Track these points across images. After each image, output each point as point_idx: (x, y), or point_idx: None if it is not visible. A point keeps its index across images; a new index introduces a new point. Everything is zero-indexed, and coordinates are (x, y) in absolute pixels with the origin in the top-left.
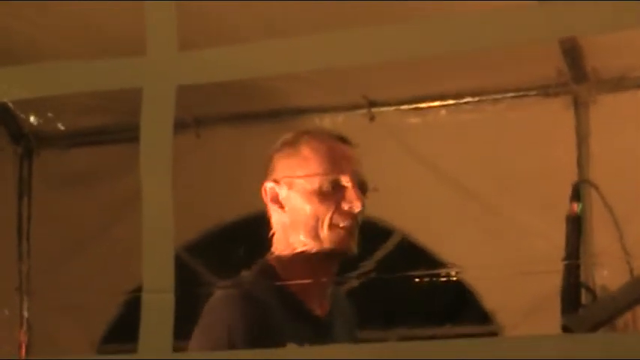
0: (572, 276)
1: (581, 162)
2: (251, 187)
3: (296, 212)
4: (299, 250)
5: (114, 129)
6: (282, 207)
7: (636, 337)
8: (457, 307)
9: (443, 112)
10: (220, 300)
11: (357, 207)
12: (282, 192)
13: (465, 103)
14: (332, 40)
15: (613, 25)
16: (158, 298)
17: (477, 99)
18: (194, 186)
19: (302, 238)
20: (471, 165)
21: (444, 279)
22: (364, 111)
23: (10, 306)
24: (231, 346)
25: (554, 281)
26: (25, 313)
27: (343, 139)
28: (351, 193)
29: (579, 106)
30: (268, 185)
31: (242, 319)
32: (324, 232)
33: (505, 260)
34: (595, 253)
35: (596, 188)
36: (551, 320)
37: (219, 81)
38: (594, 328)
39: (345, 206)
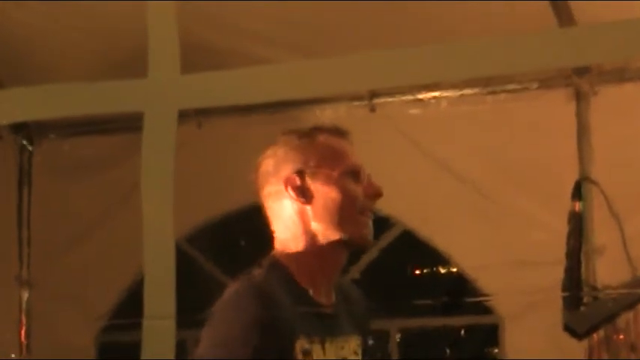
0: (573, 274)
1: (582, 154)
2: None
3: (324, 201)
4: (322, 241)
5: (114, 118)
6: (307, 197)
7: None
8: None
9: (444, 103)
10: (232, 297)
11: (380, 190)
12: (307, 182)
13: (466, 94)
14: (333, 64)
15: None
16: (159, 325)
17: (477, 90)
18: (195, 175)
19: (329, 226)
20: (471, 156)
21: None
22: (365, 102)
23: (10, 296)
24: (243, 342)
25: (555, 273)
26: (25, 303)
27: (346, 134)
28: (369, 180)
29: (580, 98)
30: (290, 176)
31: (254, 315)
32: (355, 218)
33: (506, 251)
34: (596, 250)
35: (598, 186)
36: (552, 311)
37: (221, 105)
38: (596, 326)
39: (370, 190)
